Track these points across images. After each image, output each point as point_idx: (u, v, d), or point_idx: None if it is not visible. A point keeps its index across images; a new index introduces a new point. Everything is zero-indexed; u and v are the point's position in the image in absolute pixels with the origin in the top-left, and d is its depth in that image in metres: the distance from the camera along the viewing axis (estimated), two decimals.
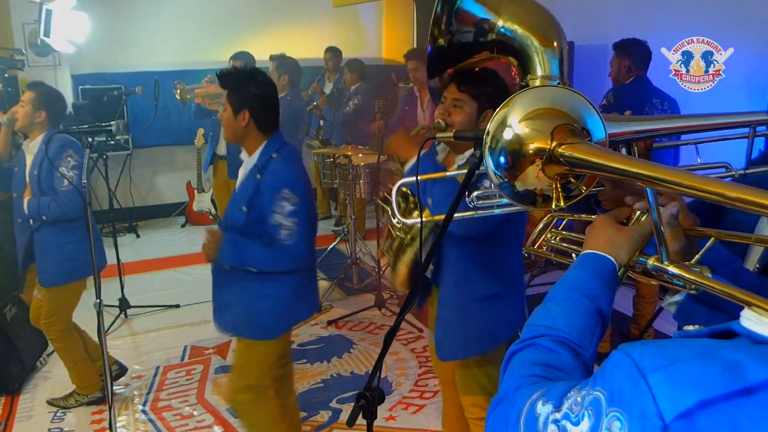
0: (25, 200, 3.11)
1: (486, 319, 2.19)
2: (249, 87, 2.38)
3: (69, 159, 3.04)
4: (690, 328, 0.74)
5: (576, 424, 0.70)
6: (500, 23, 1.58)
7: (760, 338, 0.66)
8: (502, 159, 1.03)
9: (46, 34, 5.22)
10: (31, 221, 3.13)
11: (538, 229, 1.35)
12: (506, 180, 1.04)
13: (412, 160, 2.10)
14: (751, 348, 0.64)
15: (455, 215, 1.37)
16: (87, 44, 5.72)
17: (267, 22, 7.05)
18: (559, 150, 0.98)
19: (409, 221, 2.05)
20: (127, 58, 6.49)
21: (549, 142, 0.99)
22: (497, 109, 1.04)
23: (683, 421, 0.60)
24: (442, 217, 1.37)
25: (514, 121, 1.02)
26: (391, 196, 2.48)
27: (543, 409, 0.76)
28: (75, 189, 2.98)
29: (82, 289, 3.31)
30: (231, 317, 2.49)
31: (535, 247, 1.35)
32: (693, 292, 0.93)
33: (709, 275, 0.88)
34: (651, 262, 0.97)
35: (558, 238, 1.31)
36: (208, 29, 6.70)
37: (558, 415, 0.73)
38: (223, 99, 2.42)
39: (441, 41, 1.67)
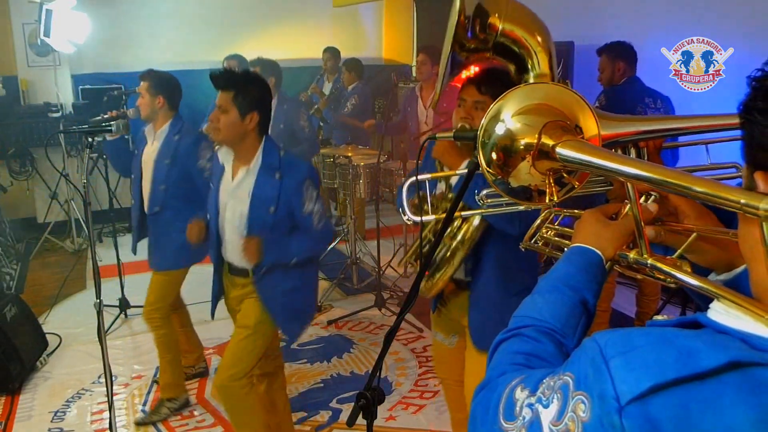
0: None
1: None
2: (255, 89, 2.40)
3: (205, 151, 3.11)
4: (659, 317, 0.77)
5: (546, 406, 0.73)
6: (501, 26, 1.59)
7: (722, 328, 0.69)
8: (494, 154, 1.04)
9: (46, 34, 5.22)
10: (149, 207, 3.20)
11: (536, 224, 1.36)
12: (499, 176, 1.05)
13: (461, 167, 2.04)
14: (711, 337, 0.67)
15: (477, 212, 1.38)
16: (87, 44, 5.72)
17: (267, 22, 7.06)
18: (544, 144, 0.99)
19: (426, 218, 2.02)
20: (127, 58, 6.48)
21: (537, 137, 1.00)
22: (492, 104, 1.05)
23: (637, 403, 0.63)
24: (440, 215, 1.38)
25: (507, 116, 1.03)
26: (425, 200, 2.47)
27: (521, 394, 0.79)
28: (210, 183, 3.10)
29: (185, 274, 3.32)
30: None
31: (532, 242, 1.35)
32: (672, 285, 0.94)
33: (688, 269, 0.89)
34: (632, 255, 0.99)
35: (553, 234, 1.32)
36: (208, 29, 6.71)
37: (532, 399, 0.76)
38: (223, 101, 2.39)
39: (468, 45, 1.68)
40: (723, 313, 0.71)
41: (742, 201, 0.66)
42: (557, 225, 1.33)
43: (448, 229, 2.16)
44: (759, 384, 0.60)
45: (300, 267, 2.54)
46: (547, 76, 1.56)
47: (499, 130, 1.03)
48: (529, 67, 1.56)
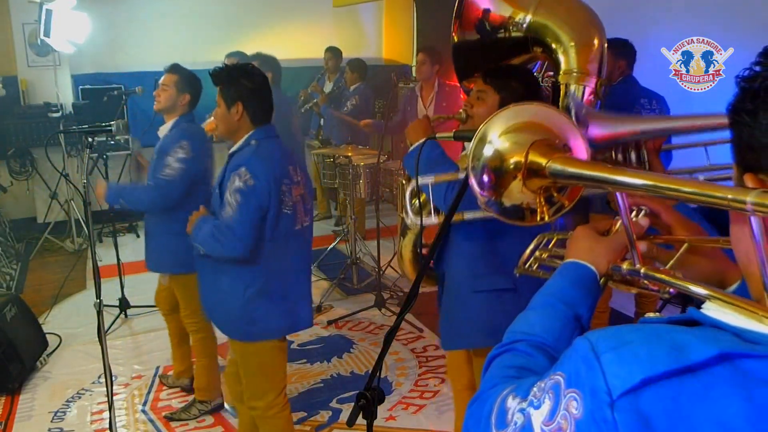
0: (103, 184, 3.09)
1: (496, 313, 2.10)
2: (241, 80, 2.37)
3: (179, 150, 2.96)
4: (651, 315, 0.77)
5: (537, 407, 0.73)
6: (529, 18, 1.58)
7: (716, 323, 0.69)
8: (485, 177, 1.05)
9: (46, 34, 5.23)
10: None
11: (529, 249, 1.36)
12: (492, 197, 1.06)
13: (416, 144, 2.06)
14: (702, 331, 0.67)
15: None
16: (87, 44, 5.72)
17: (267, 22, 7.06)
18: (534, 162, 1.00)
19: (428, 221, 2.00)
20: (127, 58, 6.49)
21: (525, 154, 1.01)
22: (478, 129, 1.06)
23: (629, 397, 0.63)
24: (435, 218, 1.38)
25: (494, 136, 1.04)
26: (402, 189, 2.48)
27: (512, 402, 0.79)
28: (175, 180, 2.93)
29: None
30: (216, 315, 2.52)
31: (526, 267, 1.35)
32: (666, 295, 0.94)
33: (680, 275, 0.89)
34: (625, 266, 0.98)
35: (547, 256, 1.32)
36: (208, 29, 6.70)
37: (524, 405, 0.76)
38: (217, 97, 2.41)
39: (455, 39, 1.68)
40: (715, 310, 0.71)
41: (729, 196, 0.67)
42: (552, 247, 1.33)
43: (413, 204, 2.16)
44: (750, 376, 0.61)
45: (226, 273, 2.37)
46: (586, 72, 1.54)
47: (488, 151, 1.04)
48: (564, 62, 1.55)
